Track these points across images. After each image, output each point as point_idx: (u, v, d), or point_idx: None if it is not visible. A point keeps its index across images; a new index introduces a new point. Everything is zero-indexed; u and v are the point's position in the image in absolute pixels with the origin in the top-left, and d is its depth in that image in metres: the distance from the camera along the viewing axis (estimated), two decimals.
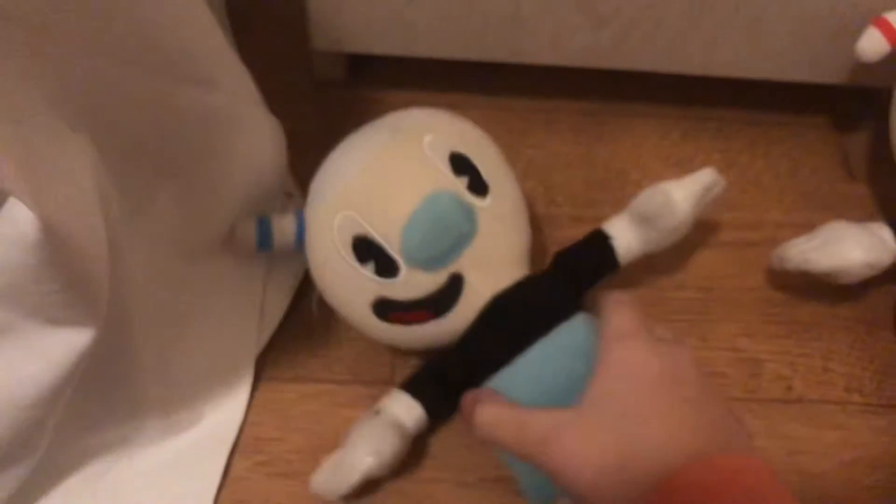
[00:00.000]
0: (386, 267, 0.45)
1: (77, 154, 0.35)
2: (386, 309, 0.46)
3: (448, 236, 0.44)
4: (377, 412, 0.48)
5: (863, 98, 0.64)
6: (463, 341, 0.47)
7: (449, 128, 0.49)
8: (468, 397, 0.44)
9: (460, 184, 0.46)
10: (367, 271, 0.45)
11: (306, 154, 0.58)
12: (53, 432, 0.42)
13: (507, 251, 0.47)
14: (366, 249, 0.45)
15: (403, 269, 0.45)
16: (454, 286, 0.46)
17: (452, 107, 0.50)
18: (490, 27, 0.56)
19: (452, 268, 0.45)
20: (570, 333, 0.45)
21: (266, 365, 0.54)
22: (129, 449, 0.49)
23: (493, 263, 0.46)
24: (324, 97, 0.65)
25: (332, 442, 0.51)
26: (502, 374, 0.45)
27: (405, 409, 0.48)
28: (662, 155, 0.65)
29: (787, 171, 0.65)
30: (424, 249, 0.44)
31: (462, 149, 0.47)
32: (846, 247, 0.52)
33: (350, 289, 0.47)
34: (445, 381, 0.49)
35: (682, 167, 0.64)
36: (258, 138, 0.50)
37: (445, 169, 0.46)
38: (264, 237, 0.50)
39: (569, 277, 0.50)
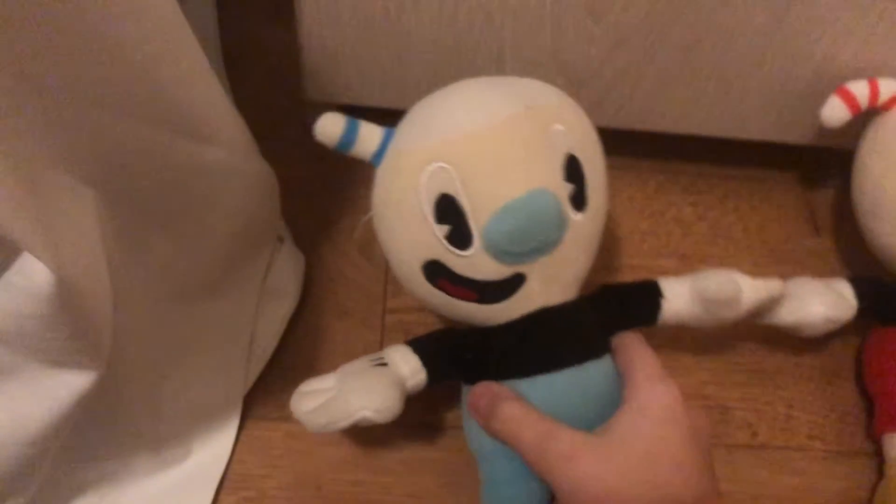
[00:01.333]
0: (460, 237, 0.42)
1: (86, 207, 0.37)
2: (437, 273, 0.44)
3: (535, 238, 0.42)
4: (383, 363, 0.47)
5: (829, 157, 0.66)
6: (494, 333, 0.46)
7: (577, 124, 0.46)
8: (486, 389, 0.44)
9: (566, 190, 0.43)
10: (439, 232, 0.42)
11: (297, 200, 0.61)
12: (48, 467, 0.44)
13: (576, 270, 0.46)
14: (448, 211, 0.42)
15: (475, 247, 0.42)
16: (513, 284, 0.44)
17: None
18: None
19: (521, 268, 0.43)
20: (596, 373, 0.45)
21: (253, 404, 0.55)
22: (118, 483, 0.50)
23: (560, 278, 0.45)
24: (316, 145, 0.66)
25: (316, 479, 0.53)
26: (520, 384, 0.44)
27: (411, 372, 0.46)
28: (637, 207, 0.67)
29: (756, 225, 0.67)
30: (507, 242, 0.42)
31: (580, 153, 0.44)
32: (809, 303, 0.54)
33: (411, 239, 0.44)
34: (457, 359, 0.48)
35: (655, 219, 0.67)
36: (253, 187, 0.52)
37: (560, 169, 0.43)
38: (349, 137, 0.46)
39: (609, 316, 0.48)
